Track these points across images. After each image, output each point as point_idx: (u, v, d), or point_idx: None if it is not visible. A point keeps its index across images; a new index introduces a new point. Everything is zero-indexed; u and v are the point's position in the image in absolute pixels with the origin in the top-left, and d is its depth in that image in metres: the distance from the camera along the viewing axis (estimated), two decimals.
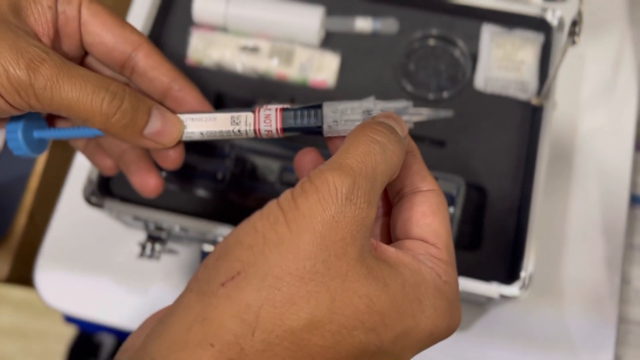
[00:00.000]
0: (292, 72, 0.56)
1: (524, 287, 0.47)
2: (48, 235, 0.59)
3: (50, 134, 0.33)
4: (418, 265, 0.26)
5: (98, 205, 0.51)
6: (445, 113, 0.33)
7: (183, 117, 0.32)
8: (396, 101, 0.31)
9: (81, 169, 0.60)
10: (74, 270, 0.58)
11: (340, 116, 0.30)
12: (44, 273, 0.58)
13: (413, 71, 0.57)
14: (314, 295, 0.22)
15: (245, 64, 0.56)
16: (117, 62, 0.34)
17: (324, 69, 0.56)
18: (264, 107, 0.32)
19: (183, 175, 0.53)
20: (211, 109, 0.35)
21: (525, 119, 0.54)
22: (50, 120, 0.36)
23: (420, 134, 0.54)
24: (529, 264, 0.48)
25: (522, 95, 0.54)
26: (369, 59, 0.57)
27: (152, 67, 0.34)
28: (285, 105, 0.31)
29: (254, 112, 0.31)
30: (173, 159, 0.36)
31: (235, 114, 0.32)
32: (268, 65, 0.55)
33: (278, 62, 0.56)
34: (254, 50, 0.56)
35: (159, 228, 0.51)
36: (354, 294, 0.23)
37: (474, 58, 0.56)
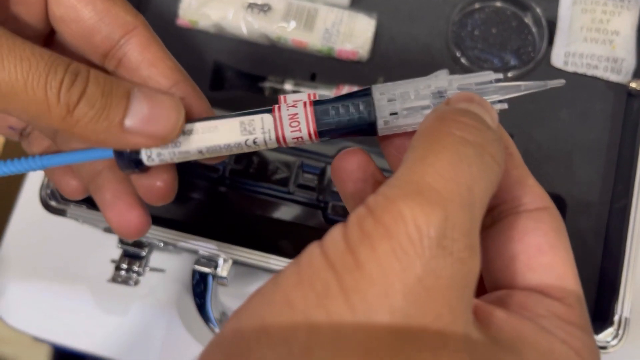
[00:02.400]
0: (313, 39, 0.43)
1: (618, 335, 0.36)
2: (4, 243, 0.48)
3: None
4: (548, 341, 0.18)
5: (58, 212, 0.39)
6: (554, 82, 0.23)
7: None
8: (478, 74, 0.22)
9: None
10: (36, 285, 0.47)
11: (401, 103, 0.22)
12: (1, 287, 0.47)
13: (469, 41, 0.44)
14: None
15: (252, 26, 0.44)
16: (98, 50, 0.25)
17: (355, 36, 0.43)
18: (285, 101, 0.23)
19: None
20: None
21: (619, 108, 0.43)
22: None
23: None
24: (626, 304, 0.37)
25: (615, 77, 0.42)
26: (412, 22, 0.46)
27: (148, 62, 0.25)
28: (312, 93, 0.23)
29: (272, 111, 0.22)
30: (161, 190, 0.26)
31: (246, 118, 0.22)
32: (282, 29, 0.44)
33: (296, 25, 0.44)
34: (265, 9, 0.43)
35: (138, 243, 0.39)
36: None
37: (551, 26, 0.44)
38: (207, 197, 0.42)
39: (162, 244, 0.39)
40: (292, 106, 0.22)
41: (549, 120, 0.43)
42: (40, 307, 0.48)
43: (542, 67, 0.44)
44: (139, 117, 0.22)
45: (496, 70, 0.43)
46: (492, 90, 0.22)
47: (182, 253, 0.47)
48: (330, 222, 0.41)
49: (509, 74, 0.43)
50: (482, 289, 0.21)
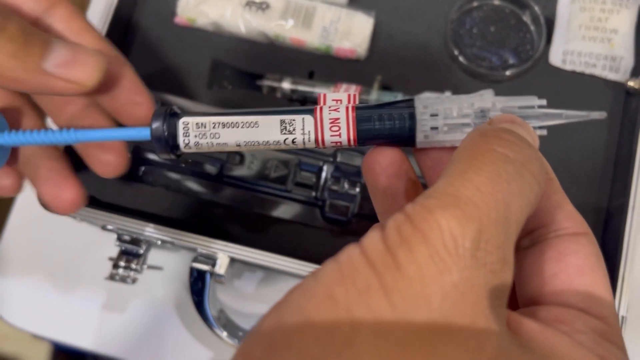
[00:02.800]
0: (311, 38, 0.43)
1: None
2: (3, 241, 0.48)
3: (12, 140, 0.25)
4: (583, 355, 0.18)
5: None
6: (596, 114, 0.23)
7: (203, 120, 0.23)
8: (522, 98, 0.22)
9: None
10: (35, 283, 0.47)
11: (443, 119, 0.22)
12: (0, 285, 0.47)
13: (468, 39, 0.44)
14: None
15: (250, 24, 0.44)
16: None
17: (353, 34, 0.43)
18: (325, 102, 0.23)
19: (167, 170, 0.41)
20: (153, 100, 0.27)
21: (617, 107, 0.43)
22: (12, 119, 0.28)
23: None
24: (622, 302, 0.37)
25: (613, 75, 0.42)
26: (411, 20, 0.45)
27: (73, 32, 0.26)
28: (351, 93, 0.23)
29: (313, 112, 0.22)
30: (113, 163, 0.27)
31: (287, 117, 0.22)
32: (280, 27, 0.44)
33: (294, 23, 0.43)
34: (263, 7, 0.43)
35: (136, 241, 0.39)
36: None
37: (549, 24, 0.44)
38: (206, 195, 0.42)
39: (159, 242, 0.39)
40: (335, 110, 0.22)
41: None
42: (39, 304, 0.47)
43: (541, 66, 0.43)
44: (59, 60, 0.23)
45: (494, 68, 0.43)
46: (533, 115, 0.22)
47: (180, 251, 0.47)
48: (328, 220, 0.41)
49: (507, 72, 0.43)
50: (514, 306, 0.22)
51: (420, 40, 0.45)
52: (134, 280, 0.39)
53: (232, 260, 0.39)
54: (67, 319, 0.47)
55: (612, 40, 0.42)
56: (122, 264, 0.39)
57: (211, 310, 0.40)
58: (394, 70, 0.44)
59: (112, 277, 0.39)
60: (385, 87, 0.43)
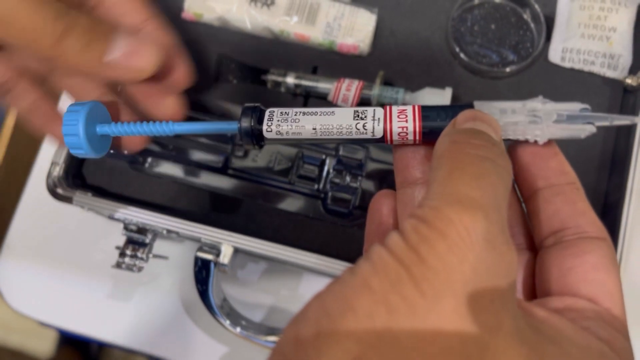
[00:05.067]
0: (315, 33, 0.44)
1: None
2: (12, 229, 0.49)
3: (118, 130, 0.27)
4: (586, 338, 0.20)
5: (65, 198, 0.40)
6: (630, 120, 0.25)
7: (287, 109, 0.25)
8: (570, 103, 0.25)
9: (52, 148, 0.49)
10: (43, 271, 0.48)
11: (500, 116, 0.24)
12: (7, 272, 0.48)
13: (469, 36, 0.45)
14: None
15: (256, 20, 0.44)
16: None
17: (356, 30, 0.44)
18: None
19: (173, 162, 0.42)
20: (189, 68, 0.31)
21: (615, 104, 0.43)
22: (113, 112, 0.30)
23: None
24: None
25: (611, 73, 0.43)
26: (413, 17, 0.46)
27: (136, 19, 0.29)
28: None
29: (383, 106, 0.25)
30: (171, 107, 0.30)
31: (360, 108, 0.25)
32: (285, 23, 0.44)
33: (298, 19, 0.44)
34: (268, 3, 0.44)
35: (142, 230, 0.40)
36: None
37: (549, 22, 0.44)
38: (211, 187, 0.43)
39: (165, 231, 0.40)
40: (400, 108, 0.25)
41: None
42: (46, 292, 0.48)
43: (540, 63, 0.44)
44: (120, 52, 0.25)
45: (494, 65, 0.44)
46: (580, 117, 0.25)
47: (185, 241, 0.48)
48: (329, 212, 0.42)
49: (507, 69, 0.44)
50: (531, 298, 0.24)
51: (422, 37, 0.45)
52: (139, 269, 0.40)
53: (236, 250, 0.40)
54: (73, 307, 0.48)
55: (611, 39, 0.43)
56: (128, 252, 0.40)
57: (215, 299, 0.41)
58: (396, 66, 0.45)
59: (118, 265, 0.40)
60: (387, 83, 0.44)
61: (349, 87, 0.42)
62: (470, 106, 0.24)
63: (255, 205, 0.42)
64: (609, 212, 0.40)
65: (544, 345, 0.19)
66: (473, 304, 0.17)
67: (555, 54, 0.44)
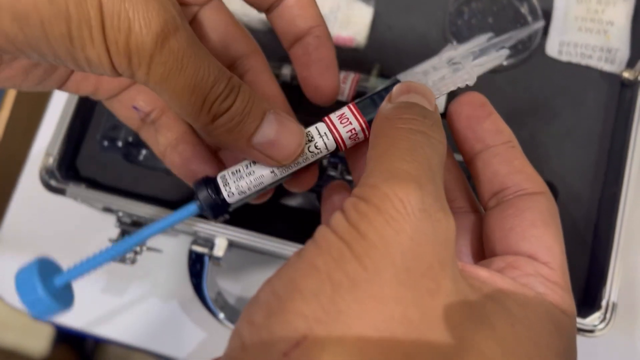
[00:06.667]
0: None
1: (605, 320, 0.37)
2: (5, 222, 0.49)
3: (75, 274, 0.27)
4: (525, 294, 0.21)
5: (58, 190, 0.40)
6: (529, 29, 0.27)
7: (237, 167, 0.26)
8: (476, 38, 0.26)
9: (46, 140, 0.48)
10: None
11: (425, 78, 0.25)
12: (1, 266, 0.48)
13: (465, 30, 0.45)
14: (415, 357, 0.17)
15: (245, 11, 0.43)
16: (229, 58, 0.29)
17: (353, 22, 0.44)
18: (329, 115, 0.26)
19: None
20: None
21: (612, 98, 0.43)
22: None
23: None
24: (613, 289, 0.37)
25: (608, 67, 0.42)
26: (409, 11, 0.46)
27: (299, 4, 0.28)
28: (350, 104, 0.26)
29: (322, 120, 0.25)
30: (305, 180, 0.28)
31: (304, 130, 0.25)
32: None
33: None
34: None
35: (136, 223, 0.40)
36: (462, 346, 0.18)
37: (546, 16, 0.44)
38: None
39: None
40: (338, 112, 0.25)
41: (542, 109, 0.43)
42: None
43: (537, 56, 0.44)
44: (265, 139, 0.24)
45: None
46: (490, 46, 0.26)
47: (179, 235, 0.47)
48: None
49: (505, 63, 0.43)
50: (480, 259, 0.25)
51: (419, 30, 0.45)
52: (133, 261, 0.40)
53: (230, 244, 0.40)
54: None
55: (608, 32, 0.43)
56: None
57: (209, 292, 0.41)
58: (392, 59, 0.44)
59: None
60: (383, 75, 0.43)
61: (345, 80, 0.42)
62: (398, 81, 0.25)
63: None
64: (606, 206, 0.40)
65: (485, 304, 0.20)
66: (411, 272, 0.18)
67: (552, 48, 0.44)
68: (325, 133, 0.24)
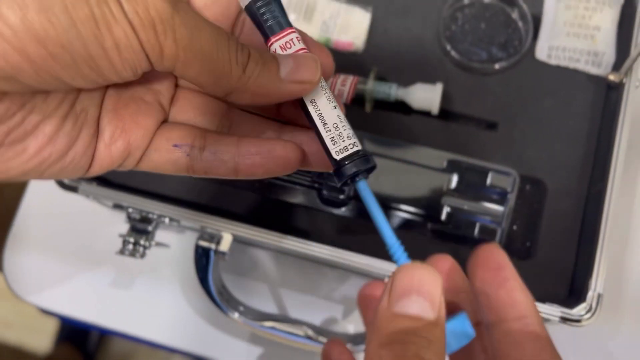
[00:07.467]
0: (312, 31, 0.46)
1: (591, 310, 0.38)
2: (18, 218, 0.50)
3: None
4: None
5: (71, 188, 0.41)
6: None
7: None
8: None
9: None
10: (47, 258, 0.49)
11: None
12: (14, 260, 0.49)
13: (459, 34, 0.47)
14: None
15: None
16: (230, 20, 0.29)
17: (352, 28, 0.46)
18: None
19: None
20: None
21: (598, 99, 0.45)
22: None
23: (466, 114, 0.45)
24: (599, 281, 0.39)
25: (595, 70, 0.44)
26: (406, 17, 0.48)
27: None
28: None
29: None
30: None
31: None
32: None
33: (295, 17, 0.46)
34: None
35: (145, 219, 0.42)
36: None
37: (536, 21, 0.46)
38: (211, 178, 0.44)
39: (167, 220, 0.42)
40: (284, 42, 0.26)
41: (532, 109, 0.45)
42: (51, 280, 0.50)
43: (527, 60, 0.46)
44: (288, 68, 0.25)
45: (483, 62, 0.46)
46: None
47: (186, 231, 0.49)
48: (326, 202, 0.43)
49: (496, 66, 0.45)
50: None
51: (415, 34, 0.47)
52: (142, 255, 0.42)
53: (235, 239, 0.42)
54: (76, 295, 0.49)
55: (595, 37, 0.45)
56: (131, 240, 0.42)
57: (214, 286, 0.43)
58: (389, 63, 0.46)
59: (122, 252, 0.41)
60: (380, 78, 0.45)
61: (344, 82, 0.44)
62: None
63: (254, 196, 0.44)
64: (592, 202, 0.42)
65: None
66: None
67: (542, 52, 0.46)
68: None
